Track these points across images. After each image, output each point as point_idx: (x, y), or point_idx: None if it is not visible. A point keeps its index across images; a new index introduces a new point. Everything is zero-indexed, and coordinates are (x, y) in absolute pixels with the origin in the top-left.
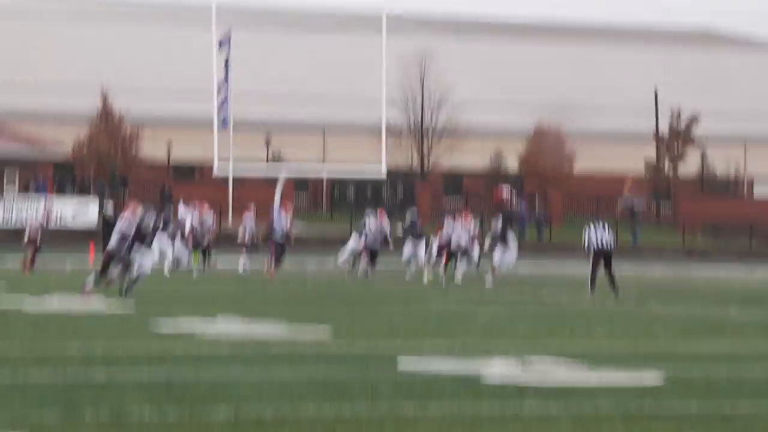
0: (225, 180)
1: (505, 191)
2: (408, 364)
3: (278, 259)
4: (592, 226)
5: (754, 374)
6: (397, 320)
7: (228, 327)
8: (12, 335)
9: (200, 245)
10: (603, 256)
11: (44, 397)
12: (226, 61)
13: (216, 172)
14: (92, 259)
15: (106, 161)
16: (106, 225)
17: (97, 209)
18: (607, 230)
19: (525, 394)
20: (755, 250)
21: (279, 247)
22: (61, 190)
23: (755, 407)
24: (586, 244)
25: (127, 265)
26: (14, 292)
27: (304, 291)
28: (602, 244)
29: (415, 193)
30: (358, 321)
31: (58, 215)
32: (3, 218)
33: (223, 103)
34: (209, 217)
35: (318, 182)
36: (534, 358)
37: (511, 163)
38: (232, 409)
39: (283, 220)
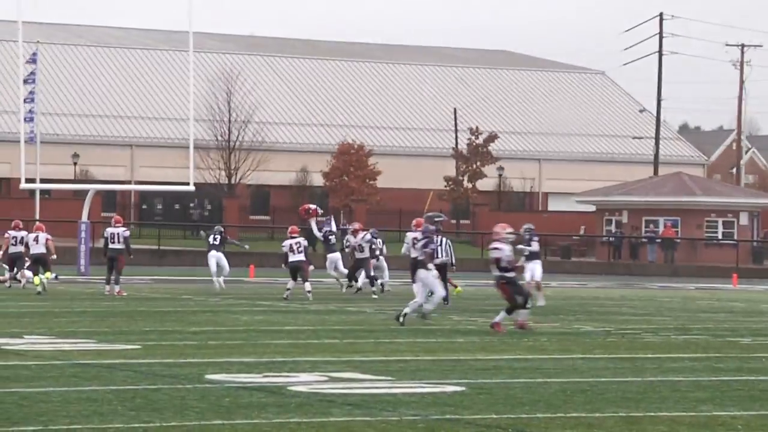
0: (32, 195)
1: (311, 207)
2: (215, 376)
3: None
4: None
5: (550, 385)
6: (205, 334)
7: (35, 343)
8: None
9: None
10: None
11: None
12: (33, 77)
13: (22, 185)
14: None
15: None
16: None
17: None
18: (443, 244)
19: (330, 404)
20: (549, 262)
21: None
22: None
23: (551, 415)
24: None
25: None
26: None
27: (114, 306)
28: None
29: (223, 208)
30: (167, 335)
31: None
32: None
33: (30, 119)
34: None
35: (126, 197)
36: (338, 371)
37: (317, 179)
38: (40, 423)
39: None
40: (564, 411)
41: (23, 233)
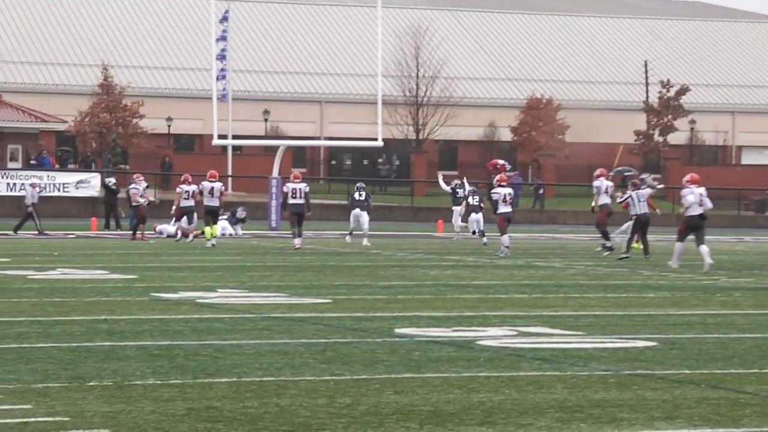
0: (224, 151)
1: (500, 162)
2: (405, 330)
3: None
4: (635, 195)
5: (744, 340)
6: (394, 288)
7: (229, 297)
8: (17, 305)
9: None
10: (642, 223)
11: (49, 366)
12: (225, 35)
13: (215, 141)
14: (95, 227)
15: (107, 134)
16: (110, 194)
17: (99, 179)
18: (636, 198)
19: (520, 358)
20: (743, 216)
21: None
22: (63, 162)
23: (745, 371)
24: (632, 210)
25: None
26: (21, 263)
27: (305, 261)
28: (641, 210)
29: (411, 163)
30: (357, 290)
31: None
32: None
33: (222, 76)
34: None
35: (316, 153)
36: (527, 325)
37: (505, 134)
38: (233, 375)
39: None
40: (759, 367)
41: (194, 187)
